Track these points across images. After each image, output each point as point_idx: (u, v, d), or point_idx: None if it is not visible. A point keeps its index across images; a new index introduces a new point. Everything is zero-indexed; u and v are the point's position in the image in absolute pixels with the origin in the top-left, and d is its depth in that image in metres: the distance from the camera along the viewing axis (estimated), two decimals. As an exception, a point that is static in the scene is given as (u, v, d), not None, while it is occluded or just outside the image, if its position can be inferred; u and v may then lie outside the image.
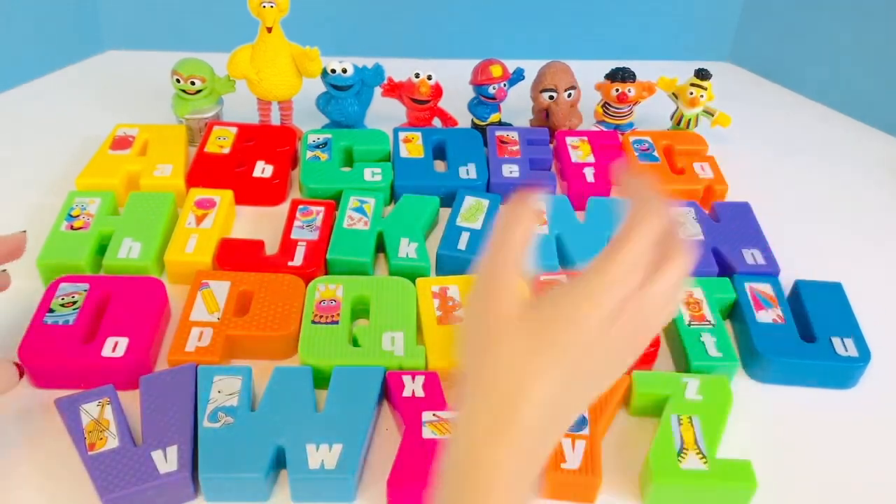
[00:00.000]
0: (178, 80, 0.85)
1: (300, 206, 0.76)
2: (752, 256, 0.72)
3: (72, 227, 0.71)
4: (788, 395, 0.63)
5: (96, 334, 0.60)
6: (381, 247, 0.74)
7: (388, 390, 0.59)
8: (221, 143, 0.83)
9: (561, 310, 0.35)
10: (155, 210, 0.74)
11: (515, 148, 0.85)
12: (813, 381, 0.64)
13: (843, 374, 0.63)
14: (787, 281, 0.70)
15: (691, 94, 0.89)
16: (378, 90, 0.89)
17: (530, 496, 0.35)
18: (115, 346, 0.58)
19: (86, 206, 0.73)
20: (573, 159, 0.85)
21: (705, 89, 0.89)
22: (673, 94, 0.92)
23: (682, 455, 0.54)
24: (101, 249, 0.70)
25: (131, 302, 0.62)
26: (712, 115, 0.91)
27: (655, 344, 0.62)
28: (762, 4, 1.09)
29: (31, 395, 0.59)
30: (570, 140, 0.87)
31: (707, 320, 0.65)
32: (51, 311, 0.60)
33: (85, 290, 0.62)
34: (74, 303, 0.60)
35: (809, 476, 0.57)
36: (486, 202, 0.77)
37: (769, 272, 0.71)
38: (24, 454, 0.55)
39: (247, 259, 0.70)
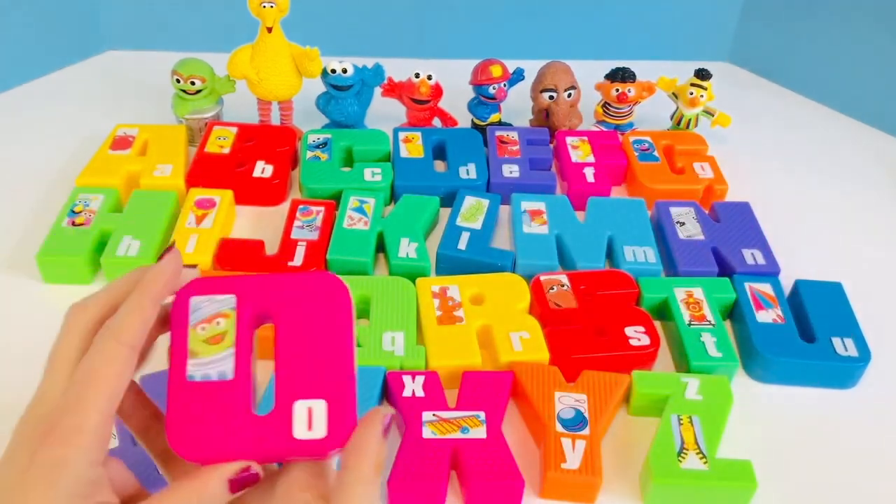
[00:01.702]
0: (178, 80, 0.85)
1: (300, 206, 0.76)
2: (752, 256, 0.72)
3: (73, 224, 0.71)
4: (788, 395, 0.63)
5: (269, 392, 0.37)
6: (381, 247, 0.74)
7: (388, 390, 0.59)
8: (221, 143, 0.83)
9: None
10: (157, 209, 0.74)
11: (515, 148, 0.85)
12: (813, 381, 0.64)
13: (844, 374, 0.63)
14: (787, 281, 0.70)
15: (691, 94, 0.89)
16: (378, 90, 0.89)
17: None
18: (309, 418, 0.33)
19: (89, 203, 0.73)
20: (573, 159, 0.85)
21: (705, 89, 0.89)
22: (673, 94, 0.92)
23: (682, 455, 0.54)
24: (102, 246, 0.70)
25: (310, 323, 0.35)
26: (712, 115, 0.91)
27: (655, 344, 0.62)
28: (762, 4, 1.09)
29: (31, 394, 0.59)
30: (570, 140, 0.88)
31: (707, 320, 0.65)
32: (193, 353, 0.34)
33: (232, 309, 0.35)
34: (223, 336, 0.34)
35: (809, 476, 0.57)
36: (486, 202, 0.77)
37: (769, 272, 0.71)
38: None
39: (247, 259, 0.70)
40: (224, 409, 0.33)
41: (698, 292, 0.67)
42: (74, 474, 0.31)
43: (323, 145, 0.84)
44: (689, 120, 0.92)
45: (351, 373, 0.33)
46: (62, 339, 0.34)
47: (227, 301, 0.34)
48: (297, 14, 0.83)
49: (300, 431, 0.32)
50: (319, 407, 0.33)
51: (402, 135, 0.86)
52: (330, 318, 0.34)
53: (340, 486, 0.31)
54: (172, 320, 0.34)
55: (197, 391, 0.33)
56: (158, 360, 0.61)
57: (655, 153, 0.86)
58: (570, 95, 0.89)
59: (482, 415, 0.56)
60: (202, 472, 0.31)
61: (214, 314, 0.34)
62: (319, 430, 0.32)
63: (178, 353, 0.34)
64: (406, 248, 0.72)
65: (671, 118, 0.93)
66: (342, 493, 0.31)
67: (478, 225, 0.74)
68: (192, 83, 0.84)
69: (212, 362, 0.34)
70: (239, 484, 0.32)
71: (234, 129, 0.86)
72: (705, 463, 0.54)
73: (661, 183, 0.82)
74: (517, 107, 0.94)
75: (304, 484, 0.33)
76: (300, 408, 0.33)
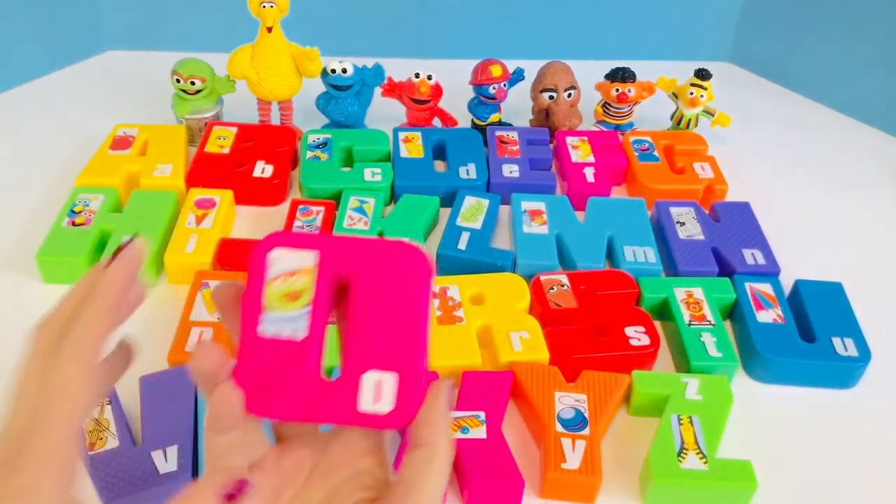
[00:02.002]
0: (178, 80, 0.85)
1: (300, 206, 0.76)
2: (752, 256, 0.72)
3: (73, 224, 0.71)
4: (789, 394, 0.63)
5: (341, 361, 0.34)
6: (381, 247, 0.74)
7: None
8: (221, 143, 0.83)
9: None
10: (157, 209, 0.74)
11: (515, 148, 0.85)
12: (813, 381, 0.64)
13: (844, 373, 0.63)
14: (787, 281, 0.70)
15: (691, 94, 0.89)
16: (378, 90, 0.89)
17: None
18: (377, 390, 0.32)
19: (89, 203, 0.73)
20: (573, 159, 0.85)
21: (705, 89, 0.89)
22: (673, 94, 0.92)
23: (682, 455, 0.54)
24: (102, 246, 0.70)
25: (388, 292, 0.33)
26: (712, 115, 0.91)
27: (655, 344, 0.62)
28: (762, 5, 1.09)
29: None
30: (570, 140, 0.87)
31: (707, 320, 0.65)
32: (267, 308, 0.32)
33: (313, 267, 0.33)
34: (300, 293, 0.33)
35: (810, 476, 0.57)
36: (486, 202, 0.77)
37: (769, 272, 0.71)
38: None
39: (246, 259, 0.69)
40: (292, 370, 0.32)
41: (698, 292, 0.67)
42: (44, 502, 0.30)
43: (323, 145, 0.84)
44: (690, 120, 0.92)
45: (424, 347, 0.32)
46: (26, 362, 0.33)
47: (308, 257, 0.33)
48: (297, 14, 0.83)
49: (366, 404, 0.31)
50: (389, 380, 0.32)
51: (402, 135, 0.86)
52: (409, 289, 0.32)
53: (416, 464, 0.31)
54: (250, 269, 0.33)
55: (267, 347, 0.32)
56: (159, 360, 0.61)
57: (655, 153, 0.86)
58: (570, 95, 0.89)
59: (482, 415, 0.56)
60: (193, 490, 0.31)
61: (294, 270, 0.33)
62: (386, 405, 0.31)
63: (252, 305, 0.32)
64: (406, 248, 0.71)
65: (671, 118, 0.93)
66: (419, 470, 0.31)
67: (478, 225, 0.74)
68: (192, 83, 0.84)
69: (286, 319, 0.32)
70: (231, 497, 0.31)
71: (234, 129, 0.86)
72: (705, 463, 0.54)
73: (661, 183, 0.82)
74: (517, 107, 0.94)
75: (363, 450, 0.33)
76: (369, 379, 0.32)
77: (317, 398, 0.32)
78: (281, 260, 0.33)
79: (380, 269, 0.33)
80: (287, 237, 0.33)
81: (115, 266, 0.34)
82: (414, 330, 0.32)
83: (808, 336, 0.65)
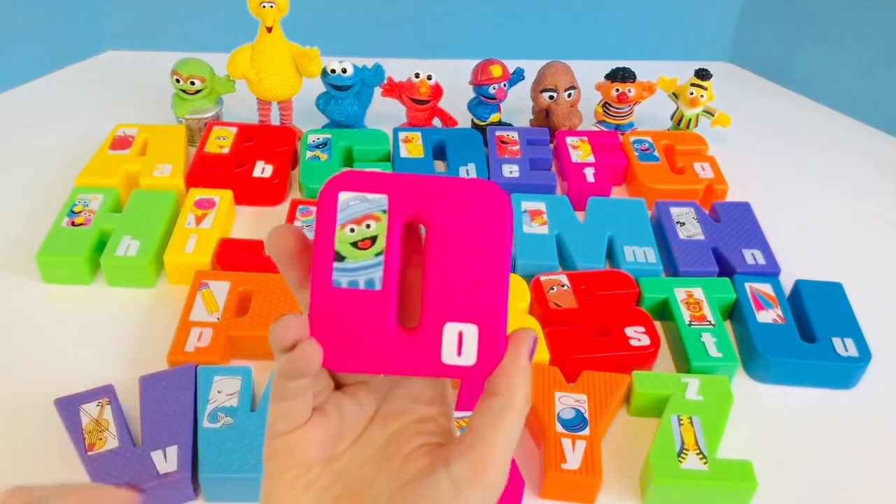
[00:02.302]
0: (177, 80, 0.84)
1: (300, 206, 0.76)
2: (752, 256, 0.72)
3: (73, 224, 0.71)
4: (789, 395, 0.63)
5: (416, 309, 0.32)
6: (381, 247, 0.74)
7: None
8: (221, 143, 0.83)
9: None
10: (156, 209, 0.74)
11: (515, 148, 0.85)
12: (813, 382, 0.64)
13: (844, 374, 0.63)
14: (787, 281, 0.70)
15: (691, 94, 0.89)
16: (378, 90, 0.89)
17: None
18: (459, 342, 0.31)
19: (88, 203, 0.73)
20: (573, 159, 0.84)
21: (705, 89, 0.89)
22: (673, 94, 0.92)
23: (682, 455, 0.54)
24: (101, 246, 0.70)
25: (466, 236, 0.31)
26: (712, 115, 0.91)
27: (656, 344, 0.62)
28: (762, 4, 1.09)
29: (31, 394, 0.59)
30: (570, 140, 0.87)
31: (707, 320, 0.65)
32: (340, 257, 0.30)
33: (384, 212, 0.31)
34: (373, 240, 0.31)
35: (810, 476, 0.57)
36: (486, 202, 0.77)
37: (769, 272, 0.71)
38: (23, 454, 0.55)
39: (246, 259, 0.70)
40: (369, 322, 0.30)
41: (698, 292, 0.67)
42: None
43: (323, 145, 0.84)
44: (690, 120, 0.92)
45: (505, 297, 0.30)
46: None
47: (378, 201, 0.30)
48: (296, 14, 0.83)
49: (449, 356, 0.30)
50: (470, 332, 0.30)
51: (402, 135, 0.86)
52: (488, 233, 0.30)
53: (490, 412, 0.29)
54: (318, 215, 0.30)
55: (342, 298, 0.30)
56: (158, 360, 0.61)
57: (656, 153, 0.86)
58: (570, 95, 0.89)
59: (482, 415, 0.56)
60: None
61: (365, 215, 0.30)
62: (469, 357, 0.30)
63: (324, 254, 0.30)
64: (406, 248, 0.71)
65: (671, 118, 0.93)
66: (493, 419, 0.29)
67: (478, 225, 0.74)
68: (192, 83, 0.84)
69: (360, 269, 0.30)
70: None
71: (234, 129, 0.85)
72: (705, 463, 0.54)
73: (661, 183, 0.82)
74: (517, 107, 0.94)
75: (427, 398, 0.32)
76: (450, 331, 0.30)
77: (397, 351, 0.30)
78: (351, 204, 0.30)
79: (455, 211, 0.30)
80: (354, 178, 0.31)
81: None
82: (494, 278, 0.30)
83: (808, 336, 0.65)
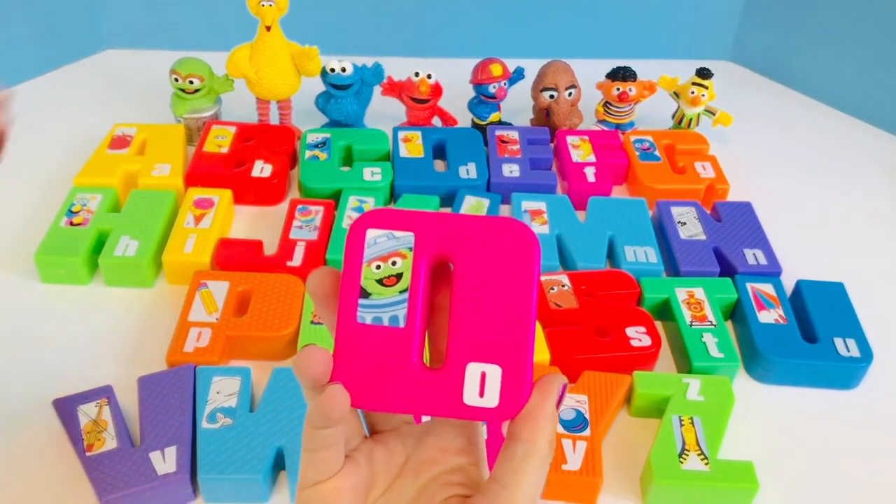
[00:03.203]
0: (176, 80, 0.84)
1: (299, 206, 0.75)
2: (753, 256, 0.72)
3: (71, 224, 0.71)
4: (790, 395, 0.63)
5: (440, 346, 0.33)
6: (380, 247, 0.73)
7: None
8: (220, 142, 0.83)
9: None
10: (155, 209, 0.73)
11: (516, 147, 0.85)
12: (815, 382, 0.63)
13: (845, 374, 0.63)
14: (788, 281, 0.70)
15: (693, 93, 0.89)
16: (377, 89, 0.89)
17: None
18: (482, 384, 0.30)
19: (87, 203, 0.73)
20: (574, 159, 0.84)
21: (706, 88, 0.89)
22: (674, 93, 0.92)
23: (683, 456, 0.54)
24: (100, 246, 0.70)
25: (492, 275, 0.31)
26: (714, 115, 0.91)
27: (657, 344, 0.62)
28: (763, 4, 1.09)
29: (29, 395, 0.59)
30: (570, 139, 0.87)
31: (709, 320, 0.65)
32: (365, 293, 0.31)
33: (410, 249, 0.31)
34: (398, 277, 0.31)
35: (811, 477, 0.57)
36: (486, 201, 0.77)
37: (771, 272, 0.71)
38: (22, 455, 0.55)
39: (245, 259, 0.69)
40: (393, 359, 0.30)
41: (700, 292, 0.67)
42: None
43: (322, 144, 0.84)
44: (691, 119, 0.91)
45: (530, 337, 0.30)
46: None
47: (405, 239, 0.31)
48: (296, 13, 0.83)
49: (471, 397, 0.30)
50: (494, 373, 0.30)
51: (401, 134, 0.86)
52: (514, 273, 0.30)
53: (513, 459, 0.29)
54: (347, 251, 0.31)
55: (366, 335, 0.30)
56: (157, 361, 0.61)
57: (656, 152, 0.86)
58: (570, 94, 0.89)
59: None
60: None
61: (391, 252, 0.31)
62: (492, 399, 0.29)
63: (350, 290, 0.30)
64: (406, 248, 0.71)
65: (672, 117, 0.93)
66: (516, 467, 0.29)
67: (478, 225, 0.74)
68: (191, 82, 0.84)
69: (384, 306, 0.31)
70: None
71: (233, 129, 0.85)
72: (706, 464, 0.53)
73: (662, 182, 0.82)
74: (517, 106, 0.94)
75: (456, 448, 0.32)
76: (473, 371, 0.30)
77: (419, 390, 0.30)
78: (378, 241, 0.31)
79: (482, 250, 0.30)
80: (383, 216, 0.31)
81: None
82: (519, 317, 0.30)
83: (809, 336, 0.65)
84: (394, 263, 0.31)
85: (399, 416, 0.33)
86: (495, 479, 0.29)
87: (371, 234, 0.31)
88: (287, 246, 0.71)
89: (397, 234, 0.31)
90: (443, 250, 0.31)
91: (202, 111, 0.87)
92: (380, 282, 0.31)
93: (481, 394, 0.29)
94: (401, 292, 0.30)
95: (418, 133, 0.86)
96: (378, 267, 0.31)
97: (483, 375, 0.30)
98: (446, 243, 0.31)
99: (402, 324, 0.30)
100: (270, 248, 0.72)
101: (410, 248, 0.31)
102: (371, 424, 0.33)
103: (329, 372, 0.30)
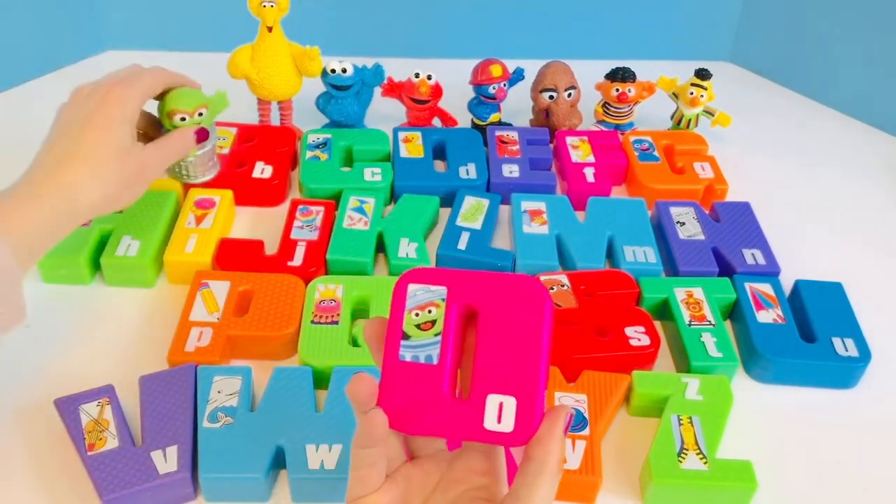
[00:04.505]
0: (182, 119, 0.69)
1: (300, 206, 0.76)
2: (752, 256, 0.72)
3: (72, 226, 0.71)
4: (789, 395, 0.63)
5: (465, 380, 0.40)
6: (381, 247, 0.74)
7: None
8: (221, 143, 0.83)
9: None
10: (156, 209, 0.74)
11: (515, 148, 0.85)
12: (813, 382, 0.64)
13: (844, 374, 0.63)
14: (787, 281, 0.70)
15: (691, 93, 0.89)
16: (378, 90, 0.89)
17: None
18: (499, 412, 0.37)
19: None
20: (573, 159, 0.84)
21: (705, 89, 0.89)
22: (673, 93, 0.92)
23: (682, 455, 0.54)
24: (101, 246, 0.70)
25: (510, 322, 0.38)
26: (713, 115, 0.91)
27: (656, 344, 0.62)
28: (763, 4, 1.09)
29: (30, 394, 0.59)
30: (570, 140, 0.87)
31: (707, 320, 0.65)
32: (406, 336, 0.38)
33: (443, 300, 0.38)
34: (433, 323, 0.38)
35: (810, 476, 0.57)
36: (486, 202, 0.77)
37: (769, 272, 0.71)
38: (23, 454, 0.55)
39: (246, 259, 0.70)
40: (427, 390, 0.37)
41: (698, 292, 0.67)
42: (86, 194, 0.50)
43: (323, 145, 0.84)
44: (690, 120, 0.92)
45: (541, 374, 0.36)
46: (68, 103, 0.57)
47: (439, 291, 0.38)
48: (297, 14, 0.83)
49: (490, 423, 0.36)
50: (509, 403, 0.36)
51: (401, 135, 0.86)
52: (528, 321, 0.37)
53: (527, 475, 0.35)
54: (392, 302, 0.38)
55: (406, 370, 0.37)
56: (158, 360, 0.61)
57: (656, 153, 0.86)
58: (570, 95, 0.89)
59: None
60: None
61: (427, 302, 0.38)
62: (507, 425, 0.36)
63: (394, 333, 0.38)
64: (406, 248, 0.71)
65: (671, 118, 0.93)
66: (530, 482, 0.35)
67: (478, 225, 0.74)
68: (200, 114, 0.70)
69: (421, 346, 0.38)
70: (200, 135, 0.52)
71: (234, 130, 0.85)
72: (705, 463, 0.54)
73: (661, 183, 0.82)
74: (517, 107, 0.94)
75: (481, 469, 0.39)
76: (492, 401, 0.36)
77: (448, 416, 0.37)
78: (417, 293, 0.38)
79: (502, 301, 0.37)
80: (422, 274, 0.38)
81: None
82: (532, 357, 0.36)
83: (808, 336, 0.65)
84: (430, 311, 0.38)
85: (435, 443, 0.40)
86: (513, 491, 0.35)
87: (412, 287, 0.38)
88: (288, 246, 0.71)
89: (433, 287, 0.38)
90: (470, 301, 0.38)
91: (205, 145, 0.71)
92: (418, 326, 0.38)
93: (499, 420, 0.36)
94: (435, 335, 0.38)
95: (418, 133, 0.86)
96: (417, 314, 0.38)
97: (500, 405, 0.36)
98: (473, 295, 0.38)
99: (435, 361, 0.37)
100: (271, 249, 0.72)
101: (443, 299, 0.38)
102: (412, 450, 0.39)
103: (374, 397, 0.36)
